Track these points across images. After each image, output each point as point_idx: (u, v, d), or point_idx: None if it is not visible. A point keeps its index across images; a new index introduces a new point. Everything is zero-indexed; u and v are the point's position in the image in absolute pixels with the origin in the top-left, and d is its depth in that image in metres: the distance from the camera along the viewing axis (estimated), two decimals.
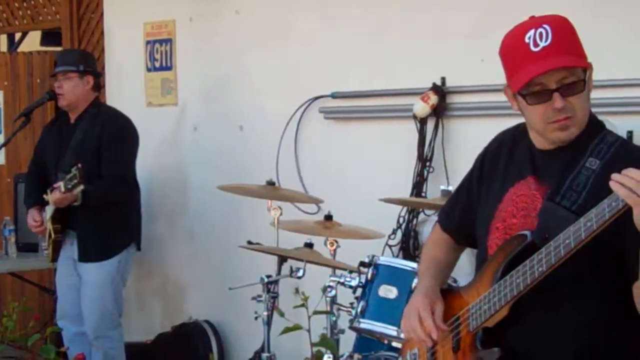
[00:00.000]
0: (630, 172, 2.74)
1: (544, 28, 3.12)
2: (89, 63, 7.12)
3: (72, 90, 6.96)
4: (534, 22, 3.17)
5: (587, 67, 3.18)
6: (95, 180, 6.66)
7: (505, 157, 3.41)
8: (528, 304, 3.11)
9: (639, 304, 2.99)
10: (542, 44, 3.10)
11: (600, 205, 2.84)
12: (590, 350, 3.12)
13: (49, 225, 6.79)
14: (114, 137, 6.86)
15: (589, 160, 3.15)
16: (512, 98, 3.25)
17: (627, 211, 2.76)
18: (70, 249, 6.97)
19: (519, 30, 3.18)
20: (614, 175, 2.77)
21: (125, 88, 8.48)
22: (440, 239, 3.67)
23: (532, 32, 3.13)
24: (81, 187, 6.30)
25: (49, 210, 6.83)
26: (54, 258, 7.01)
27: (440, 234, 3.69)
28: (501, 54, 3.26)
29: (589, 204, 2.95)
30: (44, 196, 6.79)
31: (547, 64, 3.08)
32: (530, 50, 3.12)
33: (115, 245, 6.89)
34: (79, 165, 6.34)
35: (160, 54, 8.29)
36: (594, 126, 3.26)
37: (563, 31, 3.16)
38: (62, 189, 6.38)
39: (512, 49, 3.20)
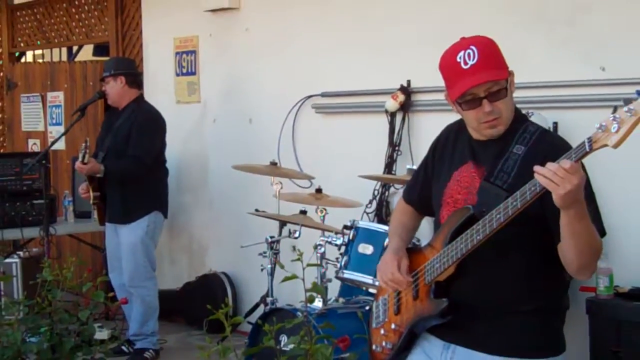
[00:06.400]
0: (549, 165, 2.72)
1: (471, 49, 3.08)
2: (120, 66, 7.05)
3: (110, 90, 6.95)
4: (463, 44, 3.12)
5: (507, 77, 3.12)
6: (123, 159, 6.74)
7: (452, 145, 3.37)
8: (472, 263, 3.10)
9: (563, 259, 2.98)
10: (470, 62, 3.07)
11: (523, 189, 2.84)
12: (520, 298, 3.12)
13: (91, 193, 6.76)
14: (141, 125, 6.81)
15: (516, 146, 3.12)
16: (452, 103, 3.21)
17: (547, 191, 2.75)
18: None
19: (452, 51, 3.14)
20: (536, 168, 2.75)
21: (159, 89, 8.45)
22: (405, 208, 3.66)
23: (462, 53, 3.09)
24: (88, 155, 6.47)
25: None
26: (101, 221, 6.98)
27: (404, 204, 3.67)
28: (440, 70, 3.23)
29: (517, 182, 2.95)
30: None
31: (475, 79, 3.06)
32: (461, 68, 3.08)
33: (135, 211, 6.81)
34: (87, 139, 6.62)
35: (186, 62, 8.27)
36: (519, 119, 3.22)
37: (487, 50, 3.11)
38: (79, 159, 6.52)
39: (447, 67, 3.16)
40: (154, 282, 7.00)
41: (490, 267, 3.11)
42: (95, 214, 7.08)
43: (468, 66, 3.08)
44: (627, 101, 2.61)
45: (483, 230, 2.98)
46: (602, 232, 3.04)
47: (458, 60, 3.10)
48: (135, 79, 7.07)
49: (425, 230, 3.78)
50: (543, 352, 3.14)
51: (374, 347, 3.52)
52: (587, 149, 2.68)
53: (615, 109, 2.62)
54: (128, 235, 6.83)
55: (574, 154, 2.71)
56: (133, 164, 6.70)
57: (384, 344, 3.45)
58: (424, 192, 3.50)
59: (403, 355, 3.37)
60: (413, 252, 3.42)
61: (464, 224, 3.10)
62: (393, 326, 3.40)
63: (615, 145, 2.62)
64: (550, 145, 3.05)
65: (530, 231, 3.05)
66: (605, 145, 2.64)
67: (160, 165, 6.99)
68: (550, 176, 2.71)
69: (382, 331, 3.47)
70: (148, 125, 6.86)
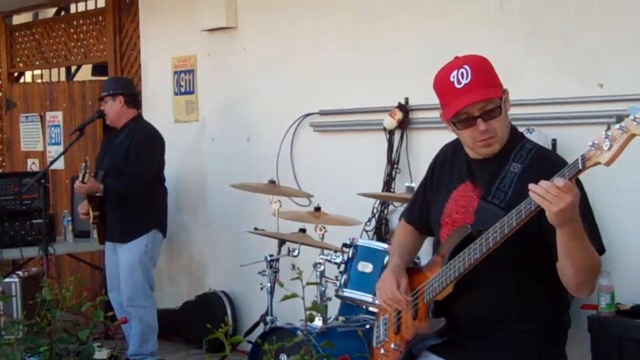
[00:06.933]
0: (542, 183, 2.72)
1: (465, 68, 3.10)
2: (118, 85, 7.07)
3: (109, 109, 6.97)
4: (457, 64, 3.13)
5: (501, 95, 3.12)
6: (122, 177, 6.72)
7: (449, 165, 3.39)
8: (472, 282, 3.10)
9: (562, 277, 2.97)
10: (463, 82, 3.08)
11: (519, 207, 2.85)
12: (521, 317, 3.12)
13: (90, 212, 6.76)
14: (139, 144, 6.81)
15: (512, 164, 3.13)
16: (446, 122, 3.22)
17: (542, 210, 2.76)
18: None
19: (445, 71, 3.16)
20: (531, 186, 2.76)
21: (158, 108, 8.43)
22: (406, 229, 3.66)
23: (455, 72, 3.10)
24: (88, 175, 6.50)
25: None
26: (101, 241, 6.96)
27: (405, 225, 3.67)
28: (434, 89, 3.24)
29: (514, 201, 2.95)
30: None
31: (468, 98, 3.07)
32: (455, 87, 3.10)
33: (134, 230, 6.80)
34: (87, 159, 6.68)
35: (184, 82, 8.26)
36: (515, 137, 3.24)
37: (480, 69, 3.12)
38: (79, 178, 6.54)
39: (441, 86, 3.17)
40: (152, 302, 6.97)
41: (491, 286, 3.10)
42: (94, 233, 7.08)
43: (461, 85, 3.08)
44: (619, 118, 2.63)
45: (480, 249, 2.98)
46: (601, 250, 3.04)
47: (451, 79, 3.11)
48: (133, 98, 7.09)
49: (426, 248, 3.76)
50: None
51: None
52: (580, 167, 2.69)
53: (608, 126, 2.62)
54: (126, 254, 6.81)
55: (567, 172, 2.72)
56: (132, 182, 6.69)
57: None
58: (423, 213, 3.50)
59: None
60: (413, 271, 3.42)
61: (462, 243, 3.09)
62: (393, 346, 3.39)
63: (608, 163, 2.64)
64: (547, 163, 3.05)
65: (530, 250, 3.05)
66: (598, 163, 2.66)
67: (159, 184, 7.00)
68: (542, 194, 2.72)
69: (382, 351, 3.46)
70: (147, 143, 6.86)
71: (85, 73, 10.75)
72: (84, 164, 6.50)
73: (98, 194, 6.66)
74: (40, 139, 9.67)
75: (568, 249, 2.85)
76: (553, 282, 3.00)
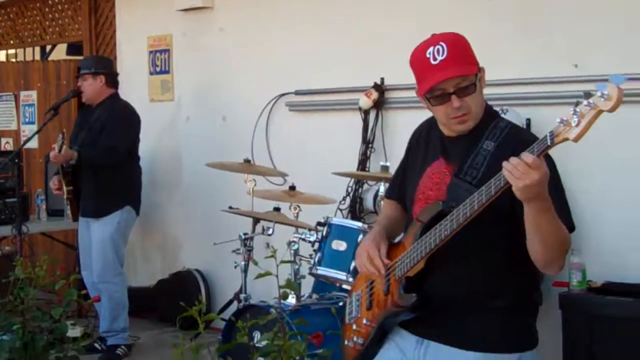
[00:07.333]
0: (512, 159, 2.74)
1: (441, 45, 3.09)
2: (100, 65, 7.05)
3: (88, 87, 6.96)
4: (434, 40, 3.12)
5: (476, 73, 3.12)
6: (96, 147, 6.74)
7: (424, 142, 3.38)
8: (444, 259, 3.09)
9: (531, 254, 2.97)
10: (439, 58, 3.07)
11: (488, 183, 2.85)
12: (492, 294, 3.11)
13: (64, 187, 6.75)
14: (115, 117, 6.84)
15: (485, 142, 3.12)
16: (422, 98, 3.20)
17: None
18: None
19: (422, 47, 3.15)
20: (504, 162, 2.76)
21: (133, 87, 8.36)
22: (390, 203, 3.64)
23: (431, 48, 3.09)
24: (65, 146, 6.53)
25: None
26: (75, 217, 6.96)
27: (388, 201, 3.66)
28: (410, 65, 3.22)
29: (486, 178, 2.93)
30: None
31: (443, 74, 3.06)
32: (430, 63, 3.09)
33: (108, 206, 6.82)
34: (64, 130, 6.73)
35: (160, 61, 8.24)
36: (489, 115, 3.23)
37: (456, 46, 3.11)
38: (56, 150, 6.56)
39: (417, 62, 3.17)
40: (122, 279, 6.97)
41: (461, 263, 3.10)
42: (68, 211, 7.05)
43: (437, 62, 3.08)
44: (588, 95, 2.62)
45: (450, 225, 2.98)
46: (571, 227, 3.04)
47: (427, 55, 3.10)
48: (113, 79, 7.10)
49: None
50: (515, 347, 3.14)
51: (346, 342, 3.51)
52: (549, 143, 2.69)
53: (577, 103, 2.63)
54: (99, 230, 6.82)
55: (536, 149, 2.72)
56: (106, 152, 6.70)
57: (355, 339, 3.44)
58: (402, 189, 3.50)
59: (373, 350, 3.36)
60: (390, 246, 3.40)
61: (434, 219, 3.09)
62: (365, 321, 3.39)
63: (576, 139, 2.64)
64: (519, 141, 3.02)
65: (502, 228, 3.04)
66: (567, 139, 2.66)
67: (134, 161, 7.00)
68: (510, 169, 2.73)
69: (354, 326, 3.46)
70: (123, 118, 6.90)
71: (60, 52, 10.69)
72: (60, 136, 6.52)
73: (72, 162, 6.63)
74: (15, 118, 9.59)
75: (536, 224, 2.85)
76: (524, 260, 3.00)
